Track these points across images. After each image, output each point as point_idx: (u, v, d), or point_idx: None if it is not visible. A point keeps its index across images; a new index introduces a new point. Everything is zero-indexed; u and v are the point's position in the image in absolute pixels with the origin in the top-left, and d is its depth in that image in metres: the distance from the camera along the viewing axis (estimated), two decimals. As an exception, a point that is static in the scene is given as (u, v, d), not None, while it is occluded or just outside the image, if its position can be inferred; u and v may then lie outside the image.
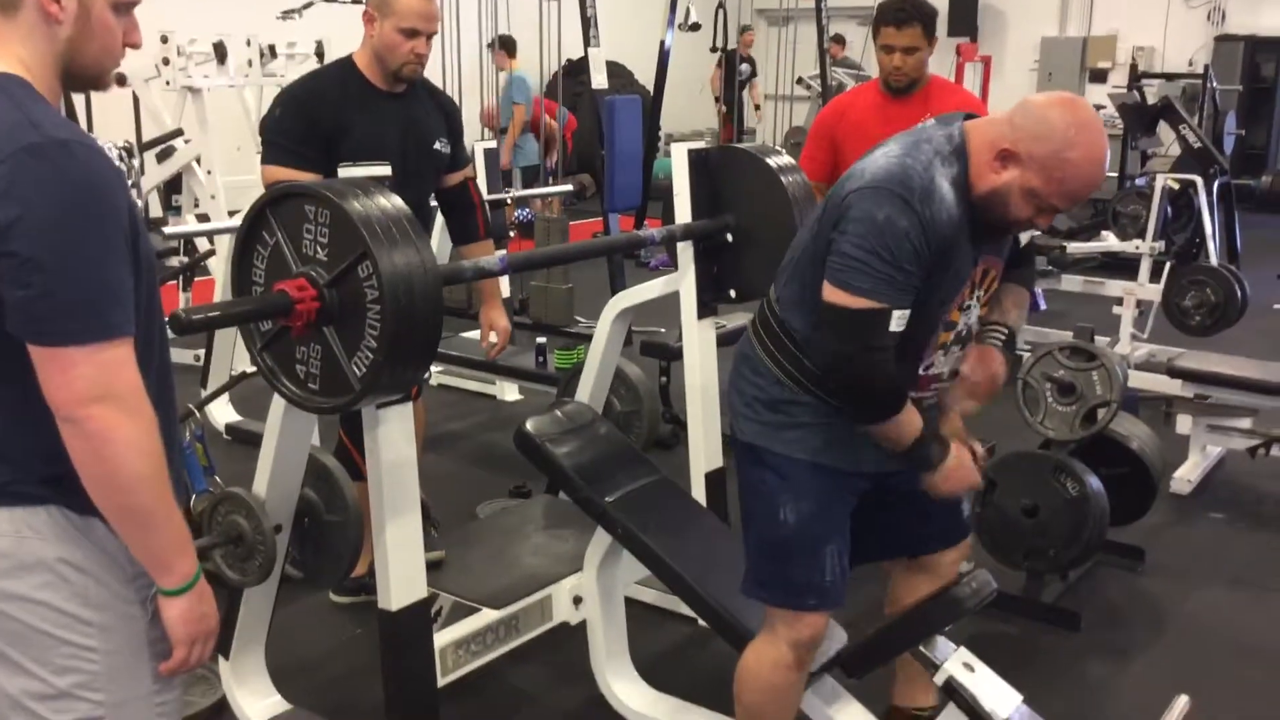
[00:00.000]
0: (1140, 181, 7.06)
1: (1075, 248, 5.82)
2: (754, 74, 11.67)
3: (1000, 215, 2.00)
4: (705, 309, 3.08)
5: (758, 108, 11.77)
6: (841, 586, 2.16)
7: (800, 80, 10.13)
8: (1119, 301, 5.63)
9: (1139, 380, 4.78)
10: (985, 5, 13.99)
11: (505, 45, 8.00)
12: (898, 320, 1.93)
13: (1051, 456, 3.25)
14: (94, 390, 1.37)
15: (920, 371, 2.12)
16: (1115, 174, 10.36)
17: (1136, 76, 9.49)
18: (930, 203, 1.92)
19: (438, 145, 3.04)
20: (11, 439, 1.46)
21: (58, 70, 1.48)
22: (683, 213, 2.98)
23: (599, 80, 5.74)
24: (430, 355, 2.02)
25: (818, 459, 2.11)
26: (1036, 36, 13.89)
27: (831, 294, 1.95)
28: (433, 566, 2.55)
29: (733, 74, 10.69)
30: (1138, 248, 5.60)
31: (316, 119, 2.85)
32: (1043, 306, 6.88)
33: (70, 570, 1.48)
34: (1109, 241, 5.86)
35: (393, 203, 1.94)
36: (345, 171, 2.22)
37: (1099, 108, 12.80)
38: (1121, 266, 6.13)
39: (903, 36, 3.28)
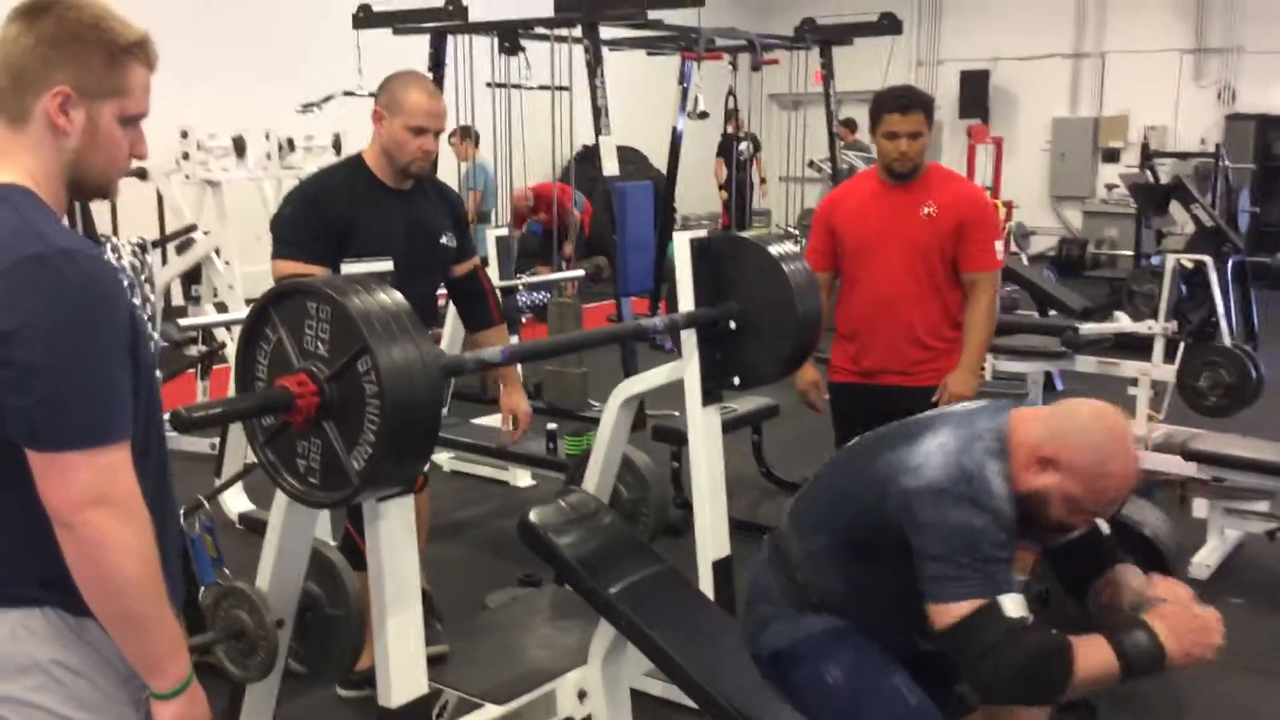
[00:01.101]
0: (1155, 261, 7.08)
1: (1088, 328, 5.81)
2: (757, 149, 11.77)
3: (1037, 515, 2.03)
4: (710, 395, 3.08)
5: (763, 180, 11.84)
6: (933, 709, 2.12)
7: (811, 163, 10.24)
8: (1134, 382, 5.60)
9: (1155, 462, 4.73)
10: (996, 87, 14.18)
11: (469, 135, 8.17)
12: (1012, 605, 1.91)
13: (1063, 542, 3.21)
14: (90, 494, 1.39)
15: None
16: (1130, 253, 10.41)
17: (1148, 156, 9.57)
18: (992, 498, 1.95)
19: (444, 240, 3.11)
20: (9, 541, 1.48)
21: (64, 180, 1.52)
22: (685, 300, 3.00)
23: (610, 167, 5.80)
24: (429, 448, 2.03)
25: (837, 625, 2.16)
26: (1048, 117, 14.06)
27: (938, 615, 1.95)
28: (436, 661, 2.54)
29: (732, 157, 10.81)
30: (1150, 328, 5.59)
31: (327, 217, 2.91)
32: (1060, 387, 6.87)
33: (64, 672, 1.49)
34: (1122, 322, 5.85)
35: (392, 298, 1.97)
36: (348, 268, 2.26)
37: (1111, 187, 12.97)
38: (1137, 346, 6.12)
39: (907, 122, 3.35)
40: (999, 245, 3.51)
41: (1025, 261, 9.00)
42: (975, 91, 14.13)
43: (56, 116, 1.47)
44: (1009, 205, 10.50)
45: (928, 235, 3.41)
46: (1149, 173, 8.88)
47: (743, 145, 11.42)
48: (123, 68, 1.50)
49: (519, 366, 3.81)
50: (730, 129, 11.10)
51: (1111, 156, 13.09)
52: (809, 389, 3.66)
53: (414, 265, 2.88)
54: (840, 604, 2.17)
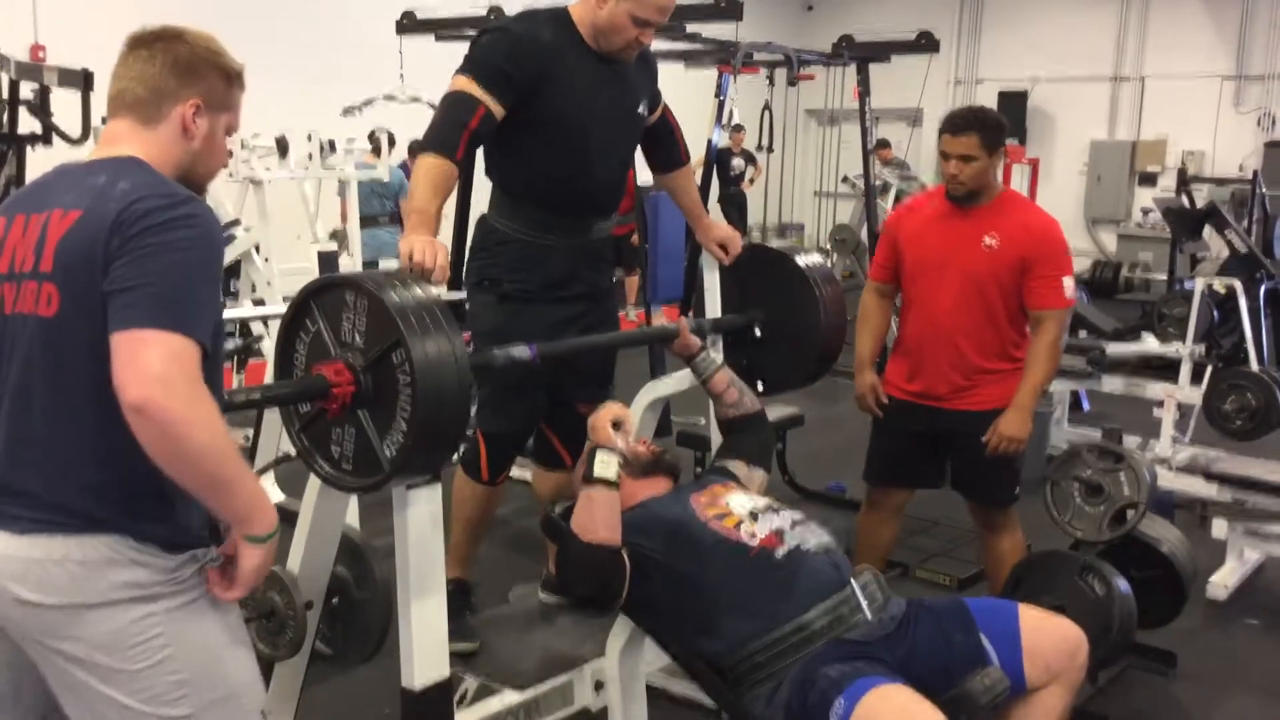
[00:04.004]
0: (1188, 285, 7.07)
1: (1115, 349, 5.82)
2: (750, 163, 11.82)
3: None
4: (734, 402, 3.14)
5: (751, 181, 11.91)
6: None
7: (845, 179, 10.28)
8: (1160, 404, 5.61)
9: (1179, 483, 4.74)
10: (1034, 108, 14.15)
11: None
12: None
13: (1079, 557, 3.25)
14: (157, 371, 1.53)
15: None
16: (1164, 277, 10.37)
17: (1184, 181, 9.53)
18: None
19: (640, 109, 2.91)
20: (107, 468, 1.65)
21: (175, 174, 1.76)
22: (712, 308, 3.07)
23: (643, 178, 5.89)
24: (458, 439, 2.11)
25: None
26: (1085, 139, 14.01)
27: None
28: (465, 655, 2.61)
29: (725, 172, 10.89)
30: (1178, 351, 5.60)
31: (525, 53, 2.66)
32: (1086, 407, 6.88)
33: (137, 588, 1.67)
34: (1148, 344, 5.86)
35: (427, 293, 2.05)
36: (387, 264, 2.34)
37: (1147, 211, 12.87)
38: (1165, 368, 6.12)
39: (957, 144, 3.25)
40: (1068, 283, 3.30)
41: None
42: (1013, 112, 14.05)
43: (191, 122, 1.77)
44: (1043, 226, 10.47)
45: (986, 267, 3.28)
46: (1184, 197, 8.85)
47: (736, 161, 11.51)
48: (234, 89, 1.83)
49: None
50: (731, 144, 11.21)
51: (1148, 180, 13.04)
52: (868, 392, 3.54)
53: (610, 140, 2.79)
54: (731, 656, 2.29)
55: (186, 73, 1.76)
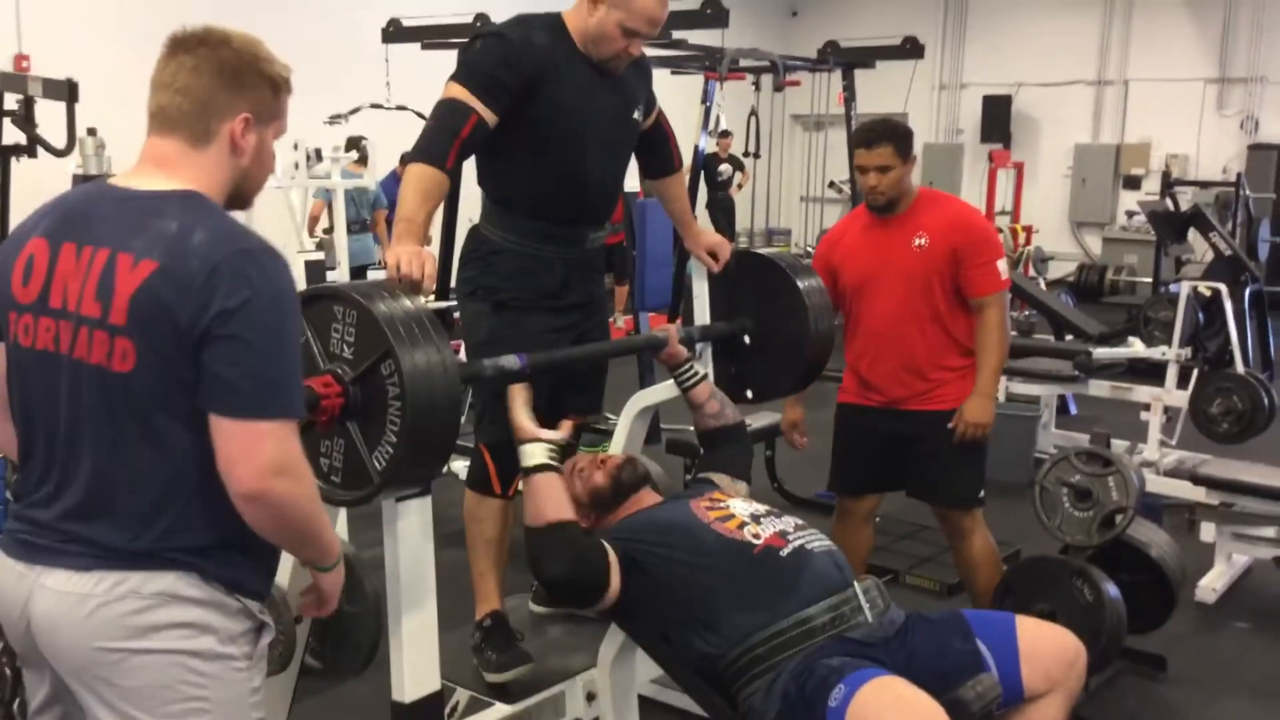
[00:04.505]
0: (1174, 288, 7.11)
1: (1102, 353, 5.83)
2: (737, 168, 11.85)
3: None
4: (724, 409, 3.14)
5: (739, 187, 11.93)
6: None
7: (832, 184, 10.32)
8: (1147, 407, 5.62)
9: (1167, 487, 4.77)
10: (1019, 112, 14.22)
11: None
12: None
13: (1068, 561, 3.25)
14: (274, 464, 1.55)
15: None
16: (1149, 280, 10.42)
17: (1169, 184, 9.59)
18: None
19: (635, 115, 2.87)
20: (167, 509, 1.63)
21: (226, 194, 1.71)
22: (701, 315, 3.07)
23: (629, 184, 5.89)
24: (448, 450, 2.10)
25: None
26: (1070, 143, 14.08)
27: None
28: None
29: (713, 178, 10.91)
30: (1164, 354, 5.62)
31: (520, 58, 2.62)
32: (1074, 411, 6.90)
33: (200, 629, 1.66)
34: (1135, 347, 5.88)
35: (416, 304, 2.04)
36: (376, 274, 2.33)
37: (1132, 214, 12.95)
38: (1152, 372, 6.14)
39: (873, 156, 3.31)
40: (1002, 265, 3.39)
41: (1043, 286, 9.03)
42: (997, 116, 14.17)
43: (240, 139, 1.68)
44: (1029, 230, 10.53)
45: (922, 267, 3.34)
46: (1169, 200, 8.90)
47: (723, 166, 11.55)
48: (281, 97, 1.74)
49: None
50: (717, 149, 11.24)
51: (1133, 184, 13.09)
52: (788, 429, 3.73)
53: (604, 147, 2.76)
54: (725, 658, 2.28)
55: (234, 83, 1.67)
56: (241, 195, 1.75)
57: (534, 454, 2.38)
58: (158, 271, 1.56)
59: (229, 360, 1.54)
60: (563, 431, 2.45)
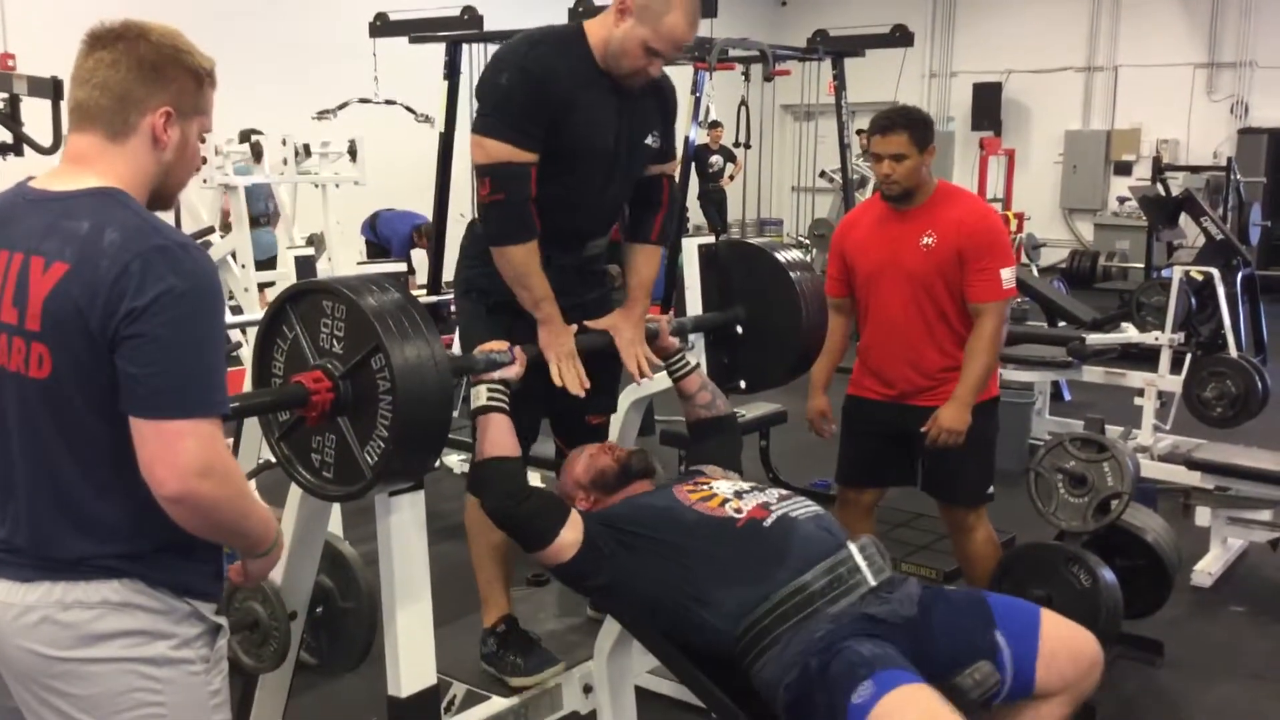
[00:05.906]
0: (1166, 273, 7.10)
1: (1095, 339, 5.84)
2: (729, 159, 11.83)
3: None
4: (717, 400, 3.12)
5: (731, 178, 11.92)
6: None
7: (823, 173, 10.29)
8: (1141, 393, 5.63)
9: (1161, 472, 4.77)
10: (1009, 99, 14.23)
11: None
12: None
13: (1064, 547, 3.25)
14: (196, 464, 1.52)
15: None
16: (1141, 265, 10.43)
17: (1160, 169, 9.58)
18: None
19: (649, 140, 2.76)
20: (103, 516, 1.61)
21: (149, 189, 1.67)
22: (693, 305, 3.06)
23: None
24: (440, 444, 2.09)
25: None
26: (1060, 130, 14.10)
27: None
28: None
29: (704, 169, 10.86)
30: (1157, 339, 5.62)
31: (547, 95, 2.52)
32: (1067, 397, 6.91)
33: (147, 635, 1.64)
34: (1128, 333, 5.88)
35: (405, 298, 2.02)
36: (362, 269, 2.31)
37: (1123, 200, 12.96)
38: (1145, 357, 6.15)
39: (888, 144, 3.25)
40: (1007, 274, 3.28)
41: (1036, 273, 9.03)
42: (987, 103, 14.17)
43: (161, 133, 1.64)
44: (1020, 217, 10.53)
45: (927, 268, 3.28)
46: (1160, 186, 8.90)
47: (714, 158, 11.50)
48: (205, 90, 1.70)
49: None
50: (708, 140, 11.19)
51: (1123, 169, 13.09)
52: (816, 418, 3.63)
53: (616, 167, 2.68)
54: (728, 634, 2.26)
55: (154, 76, 1.62)
56: (165, 193, 1.71)
57: (479, 396, 2.40)
58: (69, 274, 1.53)
59: (142, 359, 1.51)
60: (517, 366, 2.42)
